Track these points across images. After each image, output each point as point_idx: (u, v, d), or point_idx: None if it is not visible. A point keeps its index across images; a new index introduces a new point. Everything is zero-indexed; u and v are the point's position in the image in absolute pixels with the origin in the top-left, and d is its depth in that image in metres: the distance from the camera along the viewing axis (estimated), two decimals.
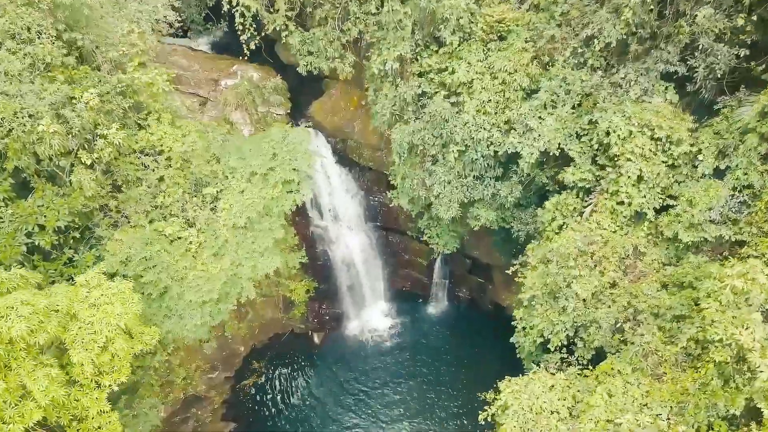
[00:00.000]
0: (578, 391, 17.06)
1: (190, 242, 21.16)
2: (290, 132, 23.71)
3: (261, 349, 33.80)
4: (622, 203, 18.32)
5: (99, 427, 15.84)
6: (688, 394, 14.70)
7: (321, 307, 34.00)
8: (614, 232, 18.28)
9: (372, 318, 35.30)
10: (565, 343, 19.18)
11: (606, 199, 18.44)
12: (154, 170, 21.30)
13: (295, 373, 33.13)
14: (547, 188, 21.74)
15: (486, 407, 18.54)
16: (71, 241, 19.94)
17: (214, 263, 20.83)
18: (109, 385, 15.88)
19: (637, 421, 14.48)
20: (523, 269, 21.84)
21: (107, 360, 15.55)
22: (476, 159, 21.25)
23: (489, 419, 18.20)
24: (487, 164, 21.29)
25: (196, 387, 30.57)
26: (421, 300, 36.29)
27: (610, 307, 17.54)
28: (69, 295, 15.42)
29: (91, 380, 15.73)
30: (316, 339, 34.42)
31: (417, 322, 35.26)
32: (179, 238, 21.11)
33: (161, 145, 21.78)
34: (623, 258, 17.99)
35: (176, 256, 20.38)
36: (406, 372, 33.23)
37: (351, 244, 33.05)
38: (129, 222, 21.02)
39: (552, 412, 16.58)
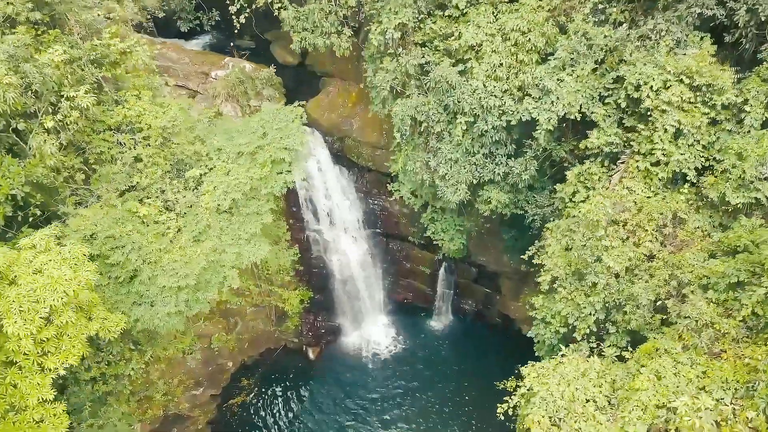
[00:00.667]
0: (617, 377, 14.13)
1: (168, 227, 18.51)
2: (282, 109, 21.39)
3: (251, 365, 30.67)
4: (657, 163, 15.72)
5: (41, 420, 12.88)
6: (757, 371, 11.87)
7: (316, 319, 31.01)
8: (648, 198, 15.67)
9: (371, 332, 32.24)
10: (594, 329, 16.31)
11: (638, 161, 15.90)
12: (130, 149, 18.86)
13: (287, 392, 29.85)
14: (564, 165, 19.24)
15: (506, 399, 15.61)
16: (30, 218, 17.34)
17: (194, 248, 18.11)
18: (55, 369, 12.98)
19: (695, 404, 11.60)
20: (540, 253, 19.06)
21: (52, 336, 12.72)
22: (486, 131, 18.71)
23: (510, 412, 15.24)
24: (499, 139, 18.71)
25: (178, 405, 27.32)
26: (423, 313, 33.26)
27: (647, 282, 14.81)
28: (8, 259, 12.70)
29: (33, 362, 12.88)
30: (310, 354, 31.26)
31: (419, 337, 32.17)
32: (156, 222, 18.49)
33: (140, 122, 19.43)
34: (660, 227, 15.34)
35: (150, 238, 17.66)
36: (408, 390, 29.96)
37: (349, 250, 30.35)
38: (99, 201, 18.47)
39: (587, 401, 13.64)
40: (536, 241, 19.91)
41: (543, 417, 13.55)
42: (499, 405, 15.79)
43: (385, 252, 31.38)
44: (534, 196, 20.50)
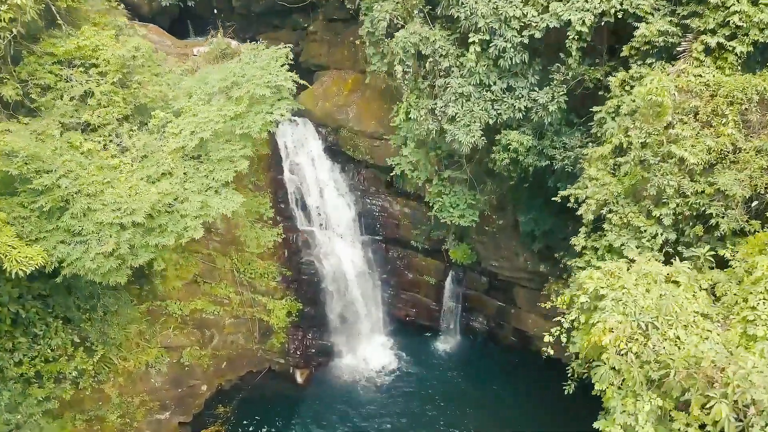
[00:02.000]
0: (719, 282, 10.09)
1: (120, 170, 14.78)
2: (265, 50, 18.17)
3: (228, 390, 25.91)
4: (733, 36, 12.12)
5: None
6: None
7: (305, 336, 26.50)
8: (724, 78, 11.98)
9: (368, 354, 27.56)
10: (661, 260, 12.18)
11: (705, 41, 12.22)
12: (81, 84, 15.47)
13: (270, 422, 24.80)
14: (600, 94, 15.46)
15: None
16: None
17: (147, 187, 14.27)
18: None
19: None
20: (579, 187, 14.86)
21: None
22: (504, 51, 15.16)
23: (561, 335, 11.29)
24: (519, 61, 15.27)
25: (138, 430, 22.52)
26: (428, 333, 28.71)
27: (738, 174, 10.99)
28: None
29: None
30: (298, 377, 26.50)
31: (423, 361, 27.42)
32: (104, 167, 14.78)
33: (96, 58, 16.19)
34: (743, 112, 11.61)
35: (93, 171, 13.87)
36: (411, 423, 25.01)
37: (343, 256, 26.36)
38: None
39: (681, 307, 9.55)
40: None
41: (621, 322, 9.45)
42: (546, 333, 12.74)
43: (384, 260, 27.33)
44: (562, 140, 16.73)
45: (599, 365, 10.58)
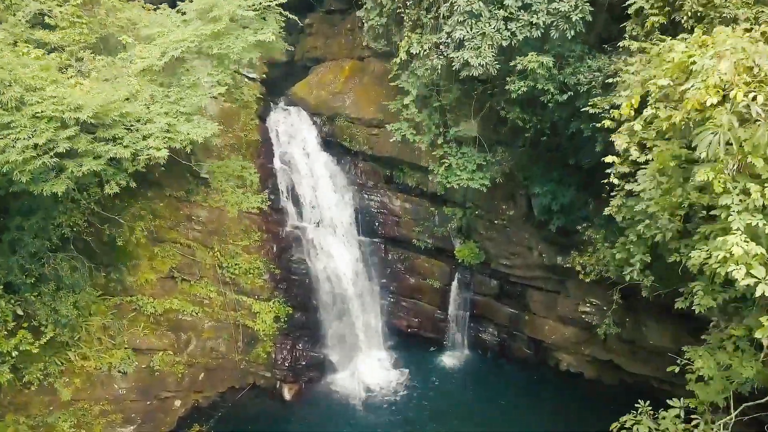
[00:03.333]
0: None
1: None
2: None
3: (206, 408, 22.48)
4: None
5: None
6: None
7: (295, 346, 23.27)
8: None
9: (366, 370, 24.26)
10: None
11: None
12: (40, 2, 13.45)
13: None
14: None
15: None
16: None
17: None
18: None
19: None
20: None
21: None
22: None
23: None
24: None
25: None
26: (432, 347, 25.44)
27: None
28: None
29: None
30: (286, 393, 23.01)
31: (427, 378, 23.98)
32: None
33: None
34: None
35: (37, 69, 11.49)
36: None
37: (338, 256, 23.63)
38: None
39: None
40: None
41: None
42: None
43: (383, 263, 24.54)
44: (588, 65, 14.39)
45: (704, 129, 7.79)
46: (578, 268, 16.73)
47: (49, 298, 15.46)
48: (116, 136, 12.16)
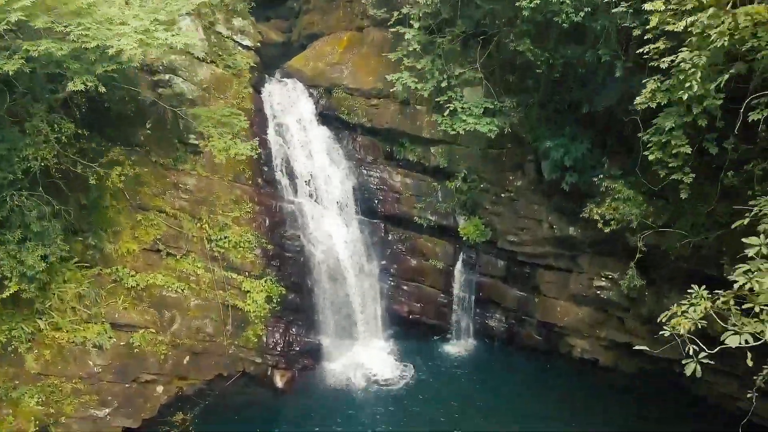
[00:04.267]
0: None
1: None
2: None
3: (191, 396, 20.61)
4: None
5: None
6: None
7: (288, 331, 21.52)
8: None
9: (364, 359, 22.41)
10: None
11: None
12: None
13: None
14: None
15: None
16: None
17: None
18: None
19: None
20: None
21: None
22: None
23: None
24: None
25: (65, 428, 17.16)
26: (436, 336, 23.69)
27: None
28: None
29: None
30: (278, 381, 21.16)
31: (430, 368, 21.98)
32: None
33: None
34: None
35: None
36: None
37: (335, 234, 22.12)
38: None
39: None
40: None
41: None
42: None
43: (383, 243, 22.99)
44: None
45: None
46: (596, 217, 15.27)
47: (15, 247, 13.93)
48: (84, 26, 10.87)
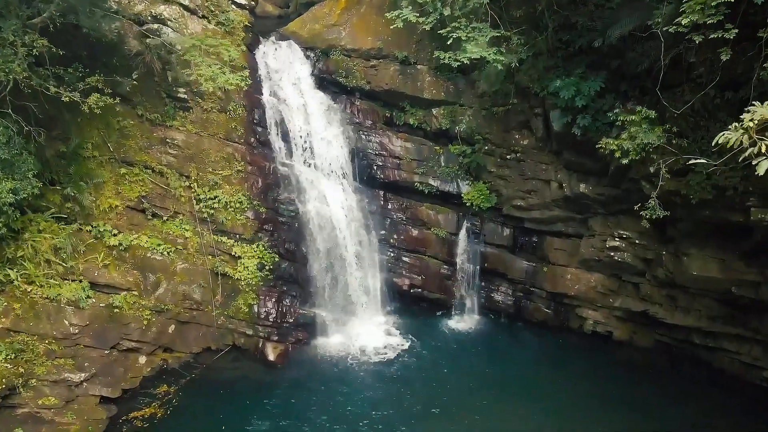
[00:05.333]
0: None
1: None
2: None
3: (177, 369, 19.12)
4: None
5: None
6: None
7: (282, 301, 20.10)
8: None
9: (362, 335, 20.98)
10: None
11: None
12: None
13: (225, 409, 17.57)
14: None
15: None
16: None
17: None
18: None
19: None
20: None
21: None
22: None
23: None
24: None
25: (33, 392, 15.66)
26: (439, 312, 22.34)
27: None
28: None
29: None
30: (269, 353, 19.66)
31: (433, 345, 20.25)
32: None
33: None
34: None
35: None
36: (416, 417, 17.95)
37: (332, 200, 20.91)
38: None
39: None
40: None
41: None
42: None
43: (382, 212, 21.74)
44: None
45: None
46: (613, 147, 14.10)
47: None
48: None
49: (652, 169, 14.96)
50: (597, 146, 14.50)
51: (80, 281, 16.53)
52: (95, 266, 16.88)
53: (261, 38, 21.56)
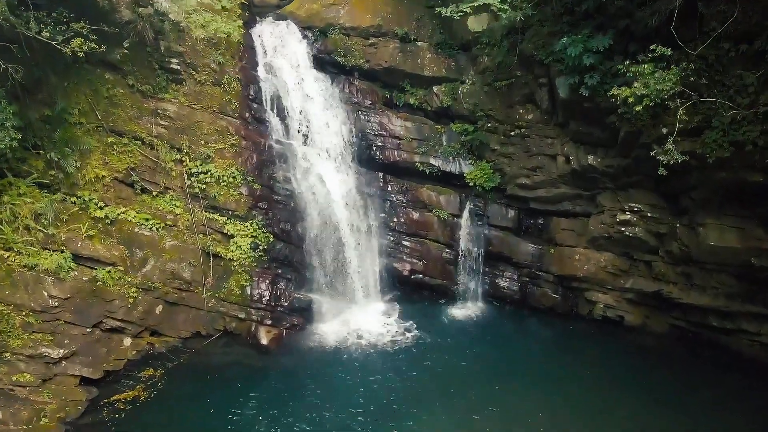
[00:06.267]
0: None
1: None
2: None
3: (164, 353, 17.95)
4: None
5: None
6: None
7: (276, 283, 19.02)
8: None
9: (360, 322, 19.89)
10: None
11: None
12: None
13: (213, 394, 16.20)
14: None
15: None
16: None
17: None
18: None
19: None
20: None
21: None
22: None
23: None
24: None
25: (8, 368, 14.54)
26: (441, 300, 21.27)
27: None
28: None
29: None
30: (262, 337, 18.53)
31: (435, 333, 19.20)
32: None
33: None
34: None
35: None
36: (417, 406, 16.66)
37: (330, 181, 20.03)
38: None
39: None
40: None
41: None
42: None
43: (382, 194, 20.88)
44: None
45: None
46: (627, 94, 13.31)
47: None
48: None
49: (664, 130, 14.15)
50: (609, 94, 13.72)
51: (62, 251, 15.58)
52: (78, 237, 15.96)
53: (258, 18, 21.06)
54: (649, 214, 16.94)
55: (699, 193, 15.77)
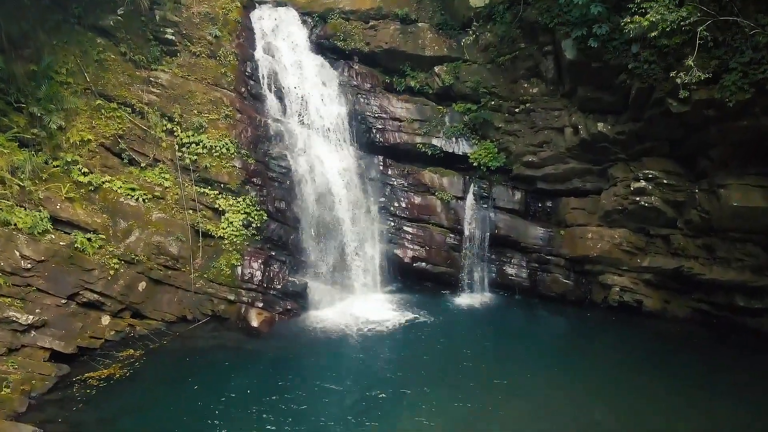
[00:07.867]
0: None
1: None
2: None
3: (145, 335, 16.42)
4: None
5: None
6: None
7: (269, 265, 17.68)
8: None
9: (360, 309, 18.43)
10: None
11: None
12: None
13: (196, 377, 14.40)
14: None
15: None
16: None
17: None
18: None
19: None
20: None
21: None
22: None
23: None
24: None
25: None
26: (445, 290, 19.81)
27: None
28: None
29: None
30: (253, 319, 16.95)
31: (439, 322, 17.71)
32: None
33: None
34: None
35: None
36: (418, 400, 14.95)
37: (328, 162, 19.07)
38: None
39: None
40: None
41: None
42: None
43: (382, 178, 19.87)
44: None
45: None
46: (645, 23, 12.53)
47: None
48: None
49: (683, 77, 13.29)
50: (622, 23, 13.00)
51: (39, 211, 14.42)
52: (58, 198, 14.86)
53: (257, 5, 20.75)
54: (665, 181, 15.92)
55: (718, 151, 14.84)
